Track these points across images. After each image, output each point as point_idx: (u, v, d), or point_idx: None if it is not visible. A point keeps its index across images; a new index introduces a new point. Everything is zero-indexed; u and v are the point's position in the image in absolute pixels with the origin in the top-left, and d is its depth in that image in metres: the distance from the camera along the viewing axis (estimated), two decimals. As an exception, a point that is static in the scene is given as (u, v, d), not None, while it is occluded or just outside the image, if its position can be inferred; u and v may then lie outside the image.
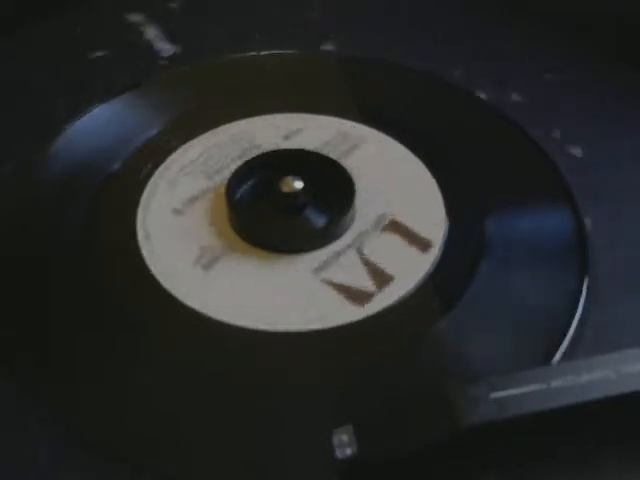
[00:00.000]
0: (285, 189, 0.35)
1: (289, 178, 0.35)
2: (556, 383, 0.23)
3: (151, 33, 0.46)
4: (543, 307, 0.33)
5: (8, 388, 0.31)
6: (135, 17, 0.47)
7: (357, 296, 0.33)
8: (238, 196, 0.36)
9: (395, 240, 0.35)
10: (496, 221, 0.35)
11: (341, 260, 0.34)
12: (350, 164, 0.37)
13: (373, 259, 0.34)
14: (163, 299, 0.33)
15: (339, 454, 0.23)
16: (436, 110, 0.41)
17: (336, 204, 0.35)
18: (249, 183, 0.36)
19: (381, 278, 0.33)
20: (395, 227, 0.35)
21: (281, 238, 0.35)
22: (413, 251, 0.34)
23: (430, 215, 0.35)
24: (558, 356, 0.31)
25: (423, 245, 0.34)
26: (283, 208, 0.35)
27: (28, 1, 0.46)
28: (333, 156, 0.37)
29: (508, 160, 0.39)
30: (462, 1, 0.47)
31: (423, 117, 0.40)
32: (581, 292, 0.33)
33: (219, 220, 0.35)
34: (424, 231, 0.35)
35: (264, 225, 0.35)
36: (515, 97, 0.42)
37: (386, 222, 0.35)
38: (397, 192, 0.36)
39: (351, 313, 0.32)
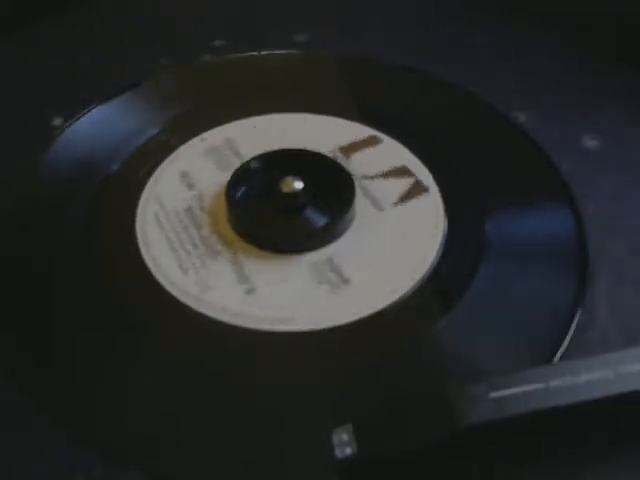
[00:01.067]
0: (285, 189, 0.35)
1: (289, 178, 0.35)
2: (555, 383, 0.23)
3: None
4: (543, 307, 0.33)
5: (8, 388, 0.31)
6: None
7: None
8: (238, 196, 0.36)
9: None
10: (496, 221, 0.35)
11: (341, 260, 0.34)
12: (350, 164, 0.37)
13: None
14: (163, 299, 0.33)
15: (339, 453, 0.23)
16: (436, 110, 0.41)
17: (336, 204, 0.35)
18: (249, 183, 0.36)
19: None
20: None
21: (281, 238, 0.35)
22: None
23: (430, 215, 0.35)
24: (558, 356, 0.31)
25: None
26: (283, 208, 0.35)
27: (28, 1, 0.46)
28: (333, 156, 0.37)
29: (508, 160, 0.39)
30: (462, 1, 0.47)
31: (423, 117, 0.40)
32: (581, 292, 0.33)
33: (219, 220, 0.35)
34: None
35: (264, 225, 0.35)
36: (515, 97, 0.41)
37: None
38: (397, 192, 0.36)
39: (351, 313, 0.32)
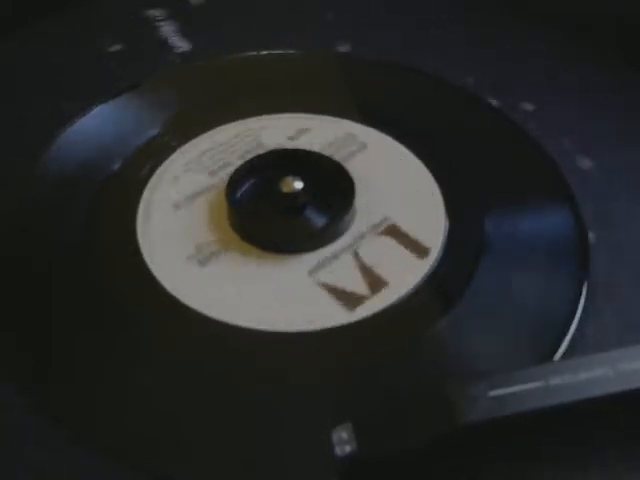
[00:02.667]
0: (285, 189, 0.35)
1: (289, 178, 0.35)
2: (555, 381, 0.23)
3: (151, 33, 0.46)
4: (543, 307, 0.33)
5: (8, 388, 0.31)
6: (134, 17, 0.47)
7: (348, 299, 0.32)
8: (238, 196, 0.36)
9: (395, 240, 0.35)
10: (496, 221, 0.35)
11: (337, 262, 0.34)
12: (350, 164, 0.37)
13: (373, 259, 0.34)
14: (163, 299, 0.33)
15: (338, 452, 0.23)
16: (436, 110, 0.41)
17: (336, 204, 0.35)
18: (249, 183, 0.36)
19: (375, 282, 0.33)
20: (395, 227, 0.35)
21: (281, 238, 0.35)
22: (413, 251, 0.34)
23: (430, 215, 0.35)
24: (558, 356, 0.31)
25: (423, 245, 0.34)
26: (283, 208, 0.35)
27: (28, 1, 0.46)
28: (333, 156, 0.37)
29: (508, 160, 0.39)
30: (462, 1, 0.47)
31: (423, 117, 0.40)
32: (581, 292, 0.33)
33: (219, 220, 0.35)
34: (424, 231, 0.35)
35: (264, 225, 0.35)
36: (515, 97, 0.42)
37: (386, 222, 0.35)
38: (397, 192, 0.36)
39: (351, 313, 0.32)
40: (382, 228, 0.35)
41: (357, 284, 0.33)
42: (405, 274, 0.33)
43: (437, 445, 0.23)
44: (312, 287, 0.33)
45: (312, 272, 0.33)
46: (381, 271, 0.33)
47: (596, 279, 0.34)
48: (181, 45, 0.45)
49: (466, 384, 0.23)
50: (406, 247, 0.34)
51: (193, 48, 0.45)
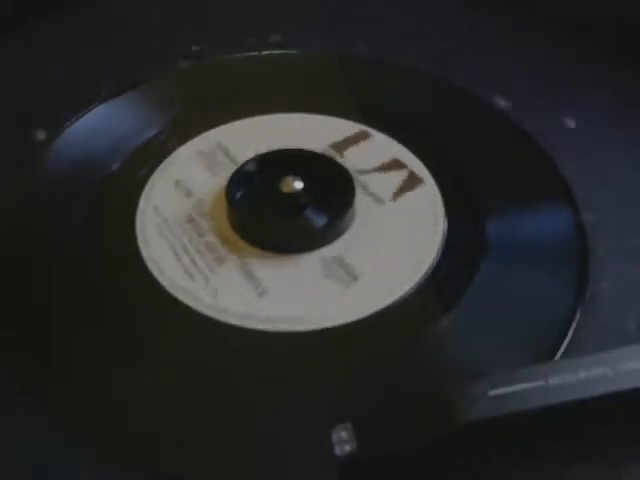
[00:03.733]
0: (285, 189, 0.35)
1: (289, 178, 0.35)
2: (554, 380, 0.23)
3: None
4: (543, 307, 0.33)
5: (8, 388, 0.31)
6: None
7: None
8: (238, 196, 0.36)
9: (395, 240, 0.35)
10: (496, 221, 0.35)
11: (341, 260, 0.34)
12: (350, 164, 0.37)
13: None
14: (163, 299, 0.33)
15: (338, 451, 0.23)
16: (436, 110, 0.41)
17: (336, 204, 0.35)
18: (249, 183, 0.36)
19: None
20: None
21: (281, 238, 0.35)
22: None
23: (430, 215, 0.35)
24: (558, 356, 0.31)
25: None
26: (283, 208, 0.35)
27: (28, 1, 0.46)
28: (333, 156, 0.37)
29: (508, 160, 0.39)
30: (462, 1, 0.47)
31: (423, 117, 0.40)
32: (581, 292, 0.33)
33: (219, 220, 0.35)
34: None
35: (264, 225, 0.35)
36: (515, 97, 0.41)
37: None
38: (397, 192, 0.36)
39: (351, 313, 0.32)
40: (382, 227, 0.35)
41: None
42: (405, 274, 0.33)
43: (437, 445, 0.23)
44: (312, 287, 0.33)
45: (313, 271, 0.33)
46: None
47: (596, 279, 0.34)
48: (182, 45, 0.45)
49: (466, 384, 0.23)
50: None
51: (193, 48, 0.45)
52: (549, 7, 0.45)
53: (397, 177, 0.37)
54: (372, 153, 0.38)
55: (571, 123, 0.40)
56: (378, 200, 0.36)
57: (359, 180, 0.36)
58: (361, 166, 0.37)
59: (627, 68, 0.42)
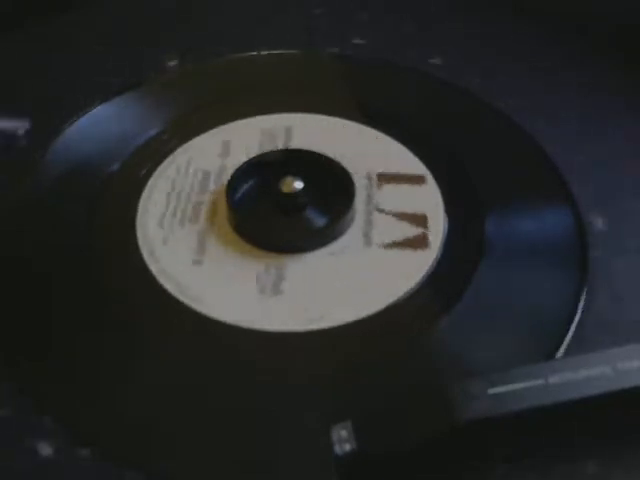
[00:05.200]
0: (285, 189, 0.35)
1: (289, 178, 0.35)
2: (554, 379, 0.23)
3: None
4: (543, 307, 0.33)
5: (8, 388, 0.31)
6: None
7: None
8: (238, 196, 0.36)
9: (395, 240, 0.35)
10: (496, 221, 0.35)
11: (341, 260, 0.34)
12: (350, 164, 0.37)
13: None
14: (163, 299, 0.33)
15: (338, 450, 0.23)
16: (436, 110, 0.41)
17: (336, 204, 0.35)
18: (249, 183, 0.36)
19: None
20: (395, 227, 0.35)
21: (281, 238, 0.35)
22: (413, 251, 0.34)
23: (430, 215, 0.35)
24: (558, 356, 0.31)
25: (423, 245, 0.34)
26: (283, 208, 0.35)
27: (28, 1, 0.46)
28: (333, 156, 0.37)
29: (508, 160, 0.39)
30: (462, 1, 0.47)
31: (423, 117, 0.40)
32: (581, 292, 0.33)
33: (219, 220, 0.35)
34: (424, 231, 0.35)
35: (264, 225, 0.35)
36: (515, 97, 0.41)
37: (386, 222, 0.35)
38: (397, 192, 0.36)
39: (351, 313, 0.32)
40: (383, 226, 0.35)
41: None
42: (405, 274, 0.33)
43: (437, 443, 0.23)
44: (312, 287, 0.33)
45: (313, 271, 0.33)
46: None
47: (596, 279, 0.34)
48: (182, 45, 0.45)
49: (465, 382, 0.23)
50: (405, 246, 0.34)
51: (193, 48, 0.45)
52: (549, 7, 0.45)
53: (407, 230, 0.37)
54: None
55: (572, 123, 0.40)
56: (379, 200, 0.36)
57: (360, 180, 0.36)
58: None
59: (627, 68, 0.42)
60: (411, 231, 0.35)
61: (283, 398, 0.30)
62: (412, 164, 0.37)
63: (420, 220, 0.35)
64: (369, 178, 0.37)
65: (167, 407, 0.30)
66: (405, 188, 0.37)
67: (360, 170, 0.37)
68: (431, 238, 0.35)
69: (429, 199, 0.36)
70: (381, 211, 0.36)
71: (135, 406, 0.30)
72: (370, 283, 0.33)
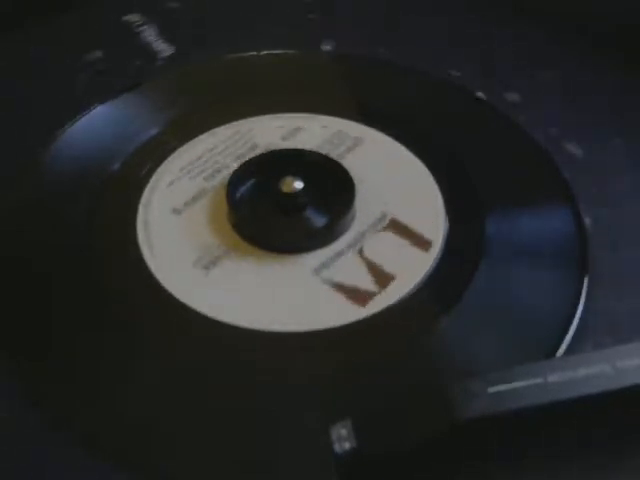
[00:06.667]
0: (285, 189, 0.35)
1: (289, 178, 0.35)
2: (553, 378, 0.23)
3: (150, 33, 0.46)
4: (543, 307, 0.33)
5: (8, 388, 0.31)
6: (134, 17, 0.47)
7: (358, 296, 0.33)
8: (238, 196, 0.36)
9: (395, 240, 0.35)
10: (496, 221, 0.35)
11: (341, 260, 0.34)
12: (350, 164, 0.37)
13: (373, 259, 0.34)
14: (163, 299, 0.33)
15: (338, 448, 0.23)
16: (436, 110, 0.41)
17: (336, 204, 0.35)
18: (249, 183, 0.36)
19: (382, 278, 0.33)
20: (395, 227, 0.35)
21: (281, 238, 0.35)
22: (413, 251, 0.34)
23: (430, 215, 0.35)
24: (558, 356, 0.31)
25: (423, 245, 0.34)
26: (283, 208, 0.35)
27: (28, 1, 0.46)
28: (333, 156, 0.37)
29: (508, 160, 0.39)
30: (462, 1, 0.47)
31: (423, 117, 0.40)
32: (581, 292, 0.33)
33: (219, 220, 0.35)
34: (424, 231, 0.35)
35: (264, 225, 0.35)
36: (515, 97, 0.42)
37: (386, 222, 0.35)
38: (397, 192, 0.36)
39: (351, 313, 0.32)
40: (382, 226, 0.35)
41: (363, 281, 0.33)
42: (405, 274, 0.33)
43: (436, 442, 0.23)
44: (312, 287, 0.33)
45: (313, 272, 0.33)
46: (385, 268, 0.33)
47: (596, 279, 0.34)
48: (182, 45, 0.45)
49: (465, 381, 0.23)
50: (405, 246, 0.34)
51: (193, 48, 0.45)
52: (549, 7, 0.45)
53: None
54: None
55: (572, 123, 0.41)
56: (379, 200, 0.36)
57: (360, 180, 0.36)
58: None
59: (627, 68, 0.42)
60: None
61: (283, 398, 0.30)
62: (412, 164, 0.37)
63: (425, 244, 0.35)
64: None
65: (167, 407, 0.30)
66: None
67: (361, 171, 0.37)
68: (431, 238, 0.35)
69: (429, 199, 0.36)
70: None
71: (135, 406, 0.30)
72: (370, 283, 0.33)
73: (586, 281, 0.34)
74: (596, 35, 0.44)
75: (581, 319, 0.32)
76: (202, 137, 0.39)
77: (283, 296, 0.33)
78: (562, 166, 0.38)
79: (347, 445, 0.23)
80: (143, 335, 0.32)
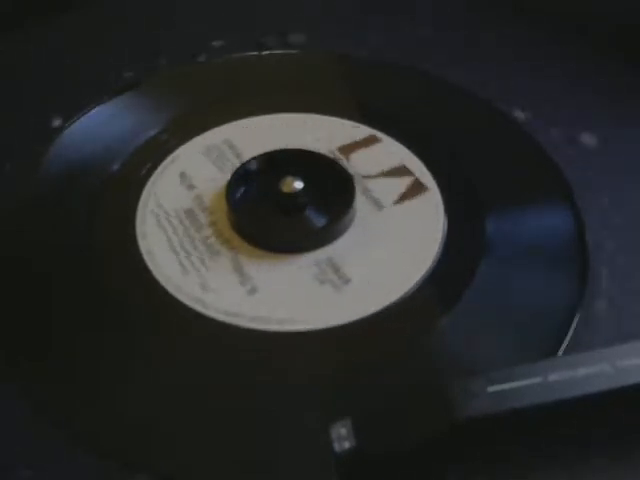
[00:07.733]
0: (285, 189, 0.35)
1: (289, 178, 0.35)
2: (553, 377, 0.23)
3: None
4: (543, 307, 0.33)
5: (8, 388, 0.31)
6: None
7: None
8: (238, 196, 0.36)
9: (395, 240, 0.35)
10: (496, 221, 0.35)
11: (341, 260, 0.34)
12: (350, 164, 0.37)
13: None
14: (163, 299, 0.33)
15: (337, 447, 0.23)
16: (436, 110, 0.41)
17: (336, 204, 0.35)
18: (249, 183, 0.36)
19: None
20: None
21: (281, 238, 0.35)
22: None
23: (430, 215, 0.35)
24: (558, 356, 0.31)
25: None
26: (283, 208, 0.35)
27: (28, 1, 0.46)
28: (332, 156, 0.37)
29: (508, 160, 0.39)
30: (463, 1, 0.48)
31: (423, 117, 0.40)
32: (581, 292, 0.33)
33: (219, 220, 0.35)
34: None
35: (264, 225, 0.35)
36: (515, 97, 0.42)
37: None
38: (397, 191, 0.36)
39: (351, 313, 0.32)
40: (382, 227, 0.35)
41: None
42: (405, 274, 0.33)
43: (436, 442, 0.23)
44: (312, 287, 0.33)
45: (313, 272, 0.33)
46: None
47: (596, 279, 0.34)
48: (182, 45, 0.45)
49: (465, 380, 0.23)
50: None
51: (193, 48, 0.45)
52: (549, 7, 0.45)
53: (401, 184, 0.37)
54: (372, 153, 0.38)
55: (572, 123, 0.41)
56: (379, 205, 0.36)
57: (362, 184, 0.36)
58: (361, 166, 0.37)
59: (627, 68, 0.42)
60: (404, 182, 0.36)
61: (283, 398, 0.30)
62: (412, 164, 0.37)
63: (403, 171, 0.36)
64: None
65: (167, 407, 0.30)
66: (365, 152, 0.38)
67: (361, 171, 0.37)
68: (423, 179, 0.35)
69: (429, 199, 0.36)
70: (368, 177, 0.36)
71: (135, 406, 0.30)
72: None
73: (586, 281, 0.34)
74: (596, 35, 0.44)
75: (581, 319, 0.32)
76: (201, 137, 0.39)
77: (283, 296, 0.33)
78: (562, 166, 0.38)
79: (347, 445, 0.23)
80: (143, 335, 0.32)
